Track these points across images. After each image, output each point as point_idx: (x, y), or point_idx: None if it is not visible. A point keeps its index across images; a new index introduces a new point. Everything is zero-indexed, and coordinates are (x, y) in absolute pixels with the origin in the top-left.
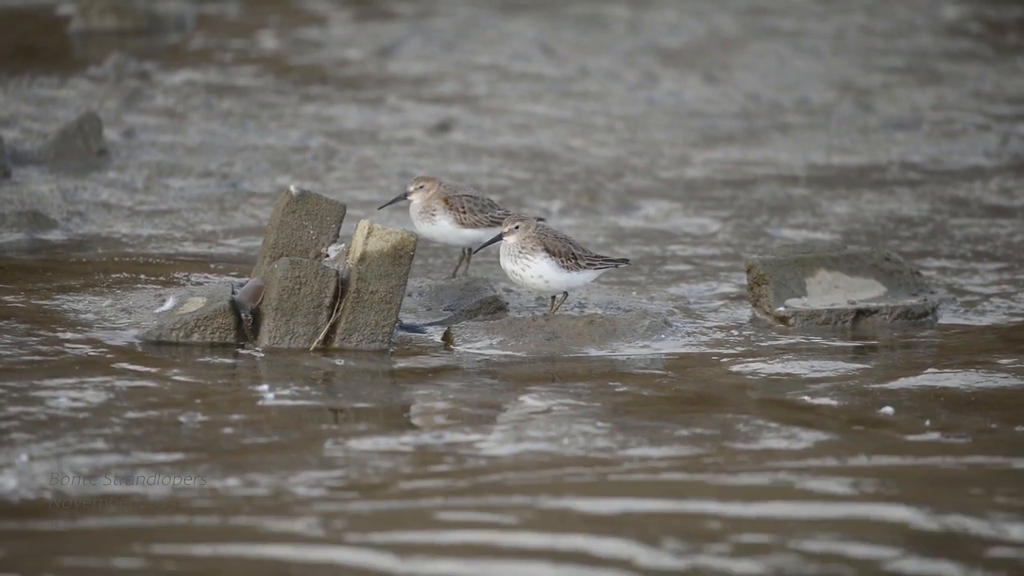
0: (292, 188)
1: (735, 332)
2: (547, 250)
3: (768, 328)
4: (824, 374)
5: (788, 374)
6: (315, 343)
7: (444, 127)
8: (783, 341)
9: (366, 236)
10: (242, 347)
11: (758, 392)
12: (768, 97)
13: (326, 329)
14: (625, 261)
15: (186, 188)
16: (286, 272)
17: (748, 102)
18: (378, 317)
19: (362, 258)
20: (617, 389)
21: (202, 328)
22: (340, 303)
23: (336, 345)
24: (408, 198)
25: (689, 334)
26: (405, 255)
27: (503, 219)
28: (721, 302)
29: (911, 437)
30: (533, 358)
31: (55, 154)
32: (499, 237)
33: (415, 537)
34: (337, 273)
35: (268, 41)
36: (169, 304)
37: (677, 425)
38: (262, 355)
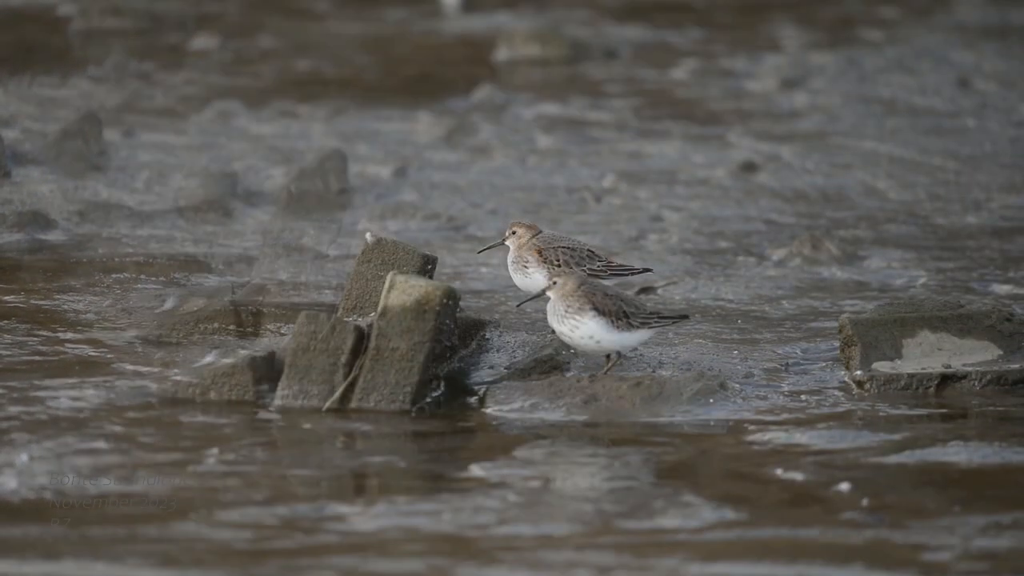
0: (368, 235)
1: (803, 398)
2: (596, 309)
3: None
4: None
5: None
6: (329, 403)
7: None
8: (842, 408)
9: (388, 289)
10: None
11: (751, 467)
12: None
13: (343, 388)
14: (684, 317)
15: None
16: (301, 326)
17: None
18: (399, 376)
19: (383, 312)
20: (600, 461)
21: (219, 385)
22: (360, 360)
23: (353, 405)
24: (505, 243)
25: (745, 399)
26: (430, 310)
27: (601, 272)
28: (824, 363)
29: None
30: (563, 422)
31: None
32: (544, 292)
33: None
34: (358, 328)
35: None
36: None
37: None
38: (274, 416)
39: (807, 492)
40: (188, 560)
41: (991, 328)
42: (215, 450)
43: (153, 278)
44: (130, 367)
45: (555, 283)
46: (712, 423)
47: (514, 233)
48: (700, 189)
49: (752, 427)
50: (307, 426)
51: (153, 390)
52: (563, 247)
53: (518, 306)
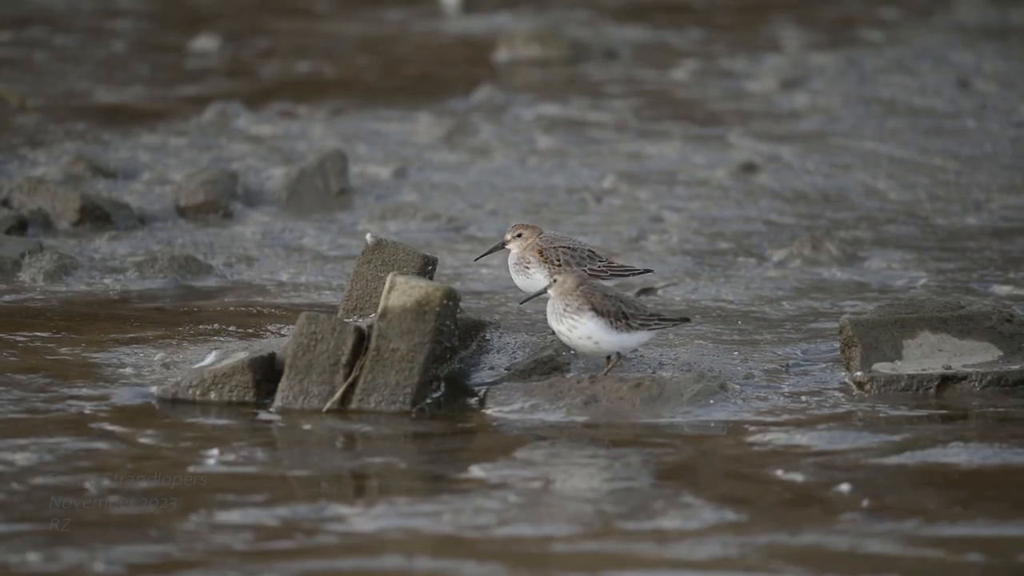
0: (368, 236)
1: (803, 399)
2: (594, 309)
3: (844, 393)
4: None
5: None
6: (329, 404)
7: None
8: (842, 409)
9: (388, 290)
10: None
11: (750, 468)
12: None
13: (343, 389)
14: (686, 320)
15: (401, 232)
16: (301, 327)
17: None
18: (399, 377)
19: (383, 314)
20: (600, 462)
21: (219, 386)
22: (360, 361)
23: (354, 406)
24: (506, 247)
25: (745, 400)
26: (430, 311)
27: (602, 273)
28: (824, 364)
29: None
30: (563, 423)
31: (287, 194)
32: (545, 290)
33: None
34: (359, 329)
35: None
36: (210, 359)
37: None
38: (274, 417)
39: (807, 493)
40: (188, 561)
41: (991, 329)
42: (215, 451)
43: (242, 330)
44: (131, 368)
45: (555, 281)
46: (712, 424)
47: (519, 236)
48: (700, 190)
49: (752, 428)
50: (307, 427)
51: (153, 391)
52: (564, 247)
53: (520, 304)
